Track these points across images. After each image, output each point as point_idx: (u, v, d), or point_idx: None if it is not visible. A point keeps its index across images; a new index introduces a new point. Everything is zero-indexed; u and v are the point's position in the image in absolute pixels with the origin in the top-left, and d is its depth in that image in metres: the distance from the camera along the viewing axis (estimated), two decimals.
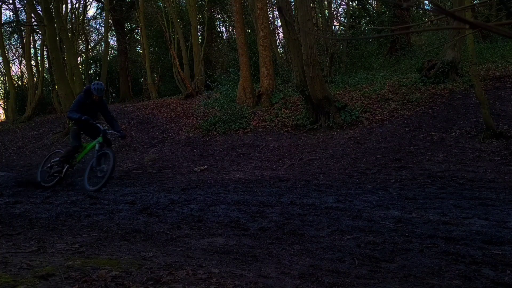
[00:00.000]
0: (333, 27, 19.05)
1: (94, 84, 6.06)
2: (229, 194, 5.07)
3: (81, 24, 23.10)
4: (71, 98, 13.45)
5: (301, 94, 9.82)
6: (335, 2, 20.30)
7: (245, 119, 10.93)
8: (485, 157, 5.96)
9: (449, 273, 2.19)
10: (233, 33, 22.18)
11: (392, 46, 15.44)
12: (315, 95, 9.13)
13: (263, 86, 12.26)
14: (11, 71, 24.98)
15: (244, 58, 12.57)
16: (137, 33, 27.06)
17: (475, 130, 7.07)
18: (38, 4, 17.19)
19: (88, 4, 30.14)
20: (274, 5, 19.03)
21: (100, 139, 5.94)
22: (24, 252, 2.39)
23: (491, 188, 4.53)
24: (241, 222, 3.51)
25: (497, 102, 8.23)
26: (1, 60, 24.88)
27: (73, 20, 22.18)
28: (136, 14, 21.99)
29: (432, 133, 7.43)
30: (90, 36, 28.92)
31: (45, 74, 23.16)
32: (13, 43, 29.23)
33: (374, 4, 18.68)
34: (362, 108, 9.62)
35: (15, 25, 24.75)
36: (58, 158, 6.29)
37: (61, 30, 15.20)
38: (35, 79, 22.88)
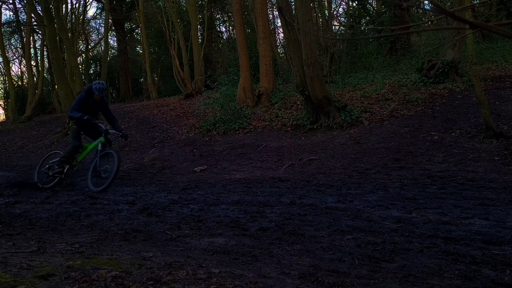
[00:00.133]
0: (333, 27, 19.05)
1: (95, 84, 5.99)
2: (229, 194, 5.07)
3: (81, 24, 23.09)
4: (71, 98, 13.44)
5: (301, 94, 9.82)
6: (335, 2, 20.32)
7: (245, 119, 10.93)
8: (485, 157, 5.96)
9: (449, 273, 2.19)
10: (233, 33, 22.19)
11: (392, 46, 15.44)
12: (315, 95, 9.13)
13: (263, 86, 12.26)
14: (11, 71, 24.99)
15: (244, 58, 12.57)
16: (137, 33, 27.06)
17: (475, 130, 7.07)
18: (38, 4, 17.18)
19: (88, 4, 30.17)
20: (274, 5, 19.03)
21: (102, 139, 5.88)
22: (24, 252, 2.39)
23: (491, 188, 4.53)
24: (241, 222, 3.51)
25: (497, 102, 8.24)
26: (1, 60, 24.89)
27: (73, 20, 22.18)
28: (136, 14, 21.99)
29: (432, 133, 7.43)
30: (90, 36, 28.94)
31: (45, 74, 23.16)
32: (13, 43, 29.27)
33: (374, 4, 18.68)
34: (362, 108, 9.62)
35: (15, 25, 24.75)
36: (57, 159, 6.17)
37: (61, 30, 15.20)
38: (35, 79, 22.88)
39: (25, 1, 21.27)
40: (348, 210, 3.84)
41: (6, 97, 27.65)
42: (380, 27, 12.70)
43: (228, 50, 21.29)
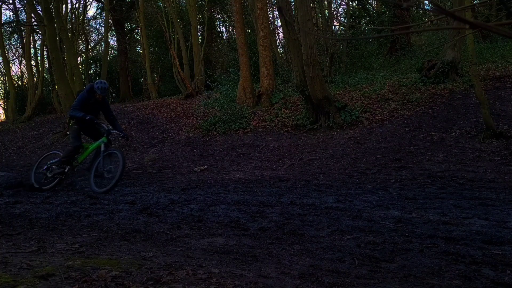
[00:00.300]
0: (333, 27, 19.05)
1: (97, 83, 5.85)
2: (229, 194, 5.07)
3: (81, 24, 23.09)
4: (71, 98, 13.44)
5: (301, 94, 9.82)
6: (335, 2, 20.32)
7: (245, 119, 10.93)
8: (485, 157, 5.96)
9: (449, 273, 2.19)
10: (233, 33, 22.19)
11: (392, 46, 15.44)
12: (315, 95, 9.13)
13: (263, 86, 12.26)
14: (11, 71, 24.99)
15: (244, 58, 12.57)
16: (137, 33, 27.06)
17: (475, 130, 7.07)
18: (38, 4, 17.18)
19: (88, 4, 30.17)
20: (274, 5, 19.03)
21: (104, 139, 5.76)
22: (24, 252, 2.39)
23: (491, 188, 4.53)
24: (241, 222, 3.51)
25: (497, 102, 8.24)
26: (1, 60, 24.89)
27: (73, 20, 22.18)
28: (136, 14, 21.99)
29: (432, 133, 7.43)
30: (90, 36, 28.95)
31: (45, 74, 23.16)
32: (13, 43, 29.27)
33: (374, 4, 18.68)
34: (362, 108, 9.62)
35: (15, 25, 24.74)
36: (57, 160, 6.00)
37: (61, 30, 15.19)
38: (35, 79, 22.88)
39: (25, 1, 21.27)
40: (348, 210, 3.84)
41: (6, 97, 27.66)
42: (380, 27, 12.70)
43: (228, 50, 21.29)
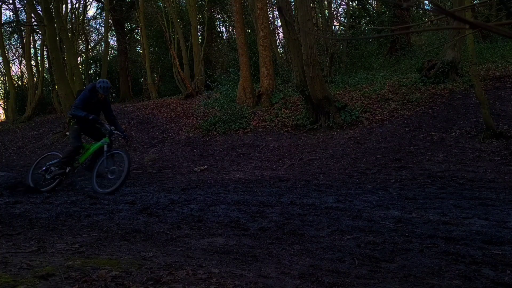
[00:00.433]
0: (333, 27, 19.05)
1: (99, 82, 5.73)
2: (229, 194, 5.07)
3: (81, 24, 23.09)
4: (71, 98, 13.42)
5: (301, 94, 9.82)
6: (335, 2, 20.32)
7: (245, 119, 10.93)
8: (485, 157, 5.96)
9: (449, 273, 2.19)
10: (233, 33, 22.18)
11: (392, 46, 15.44)
12: (315, 95, 9.13)
13: (263, 86, 12.26)
14: (11, 71, 25.00)
15: (244, 58, 12.57)
16: (137, 33, 27.06)
17: (475, 130, 7.07)
18: (38, 4, 17.18)
19: (88, 4, 30.17)
20: (274, 5, 19.03)
21: (107, 139, 5.66)
22: (24, 252, 2.39)
23: (491, 188, 4.53)
24: (241, 222, 3.51)
25: (497, 102, 8.23)
26: (1, 60, 24.90)
27: (73, 20, 22.17)
28: (136, 14, 21.99)
29: (432, 133, 7.43)
30: (90, 36, 28.94)
31: (45, 74, 23.16)
32: (13, 43, 29.27)
33: (374, 4, 18.68)
34: (362, 108, 9.62)
35: (15, 25, 24.74)
36: (56, 161, 5.87)
37: (61, 30, 15.19)
38: (35, 79, 22.88)
39: (25, 1, 21.27)
40: (348, 210, 3.84)
41: (6, 97, 27.66)
42: (380, 27, 12.70)
43: (228, 50, 21.29)
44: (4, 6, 24.02)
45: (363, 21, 17.04)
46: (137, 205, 4.43)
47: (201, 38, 20.34)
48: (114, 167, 5.52)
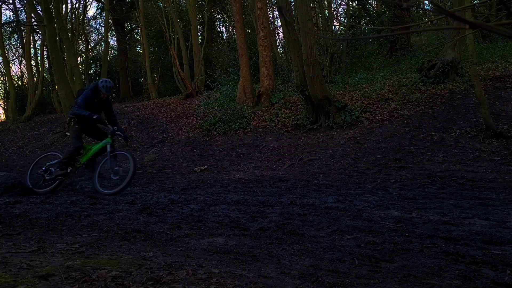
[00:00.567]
0: (333, 27, 19.05)
1: (102, 82, 5.65)
2: (229, 194, 5.07)
3: (81, 24, 23.10)
4: (71, 98, 13.43)
5: (301, 94, 9.82)
6: (335, 2, 20.33)
7: (245, 119, 10.93)
8: (485, 157, 5.96)
9: (449, 273, 2.19)
10: (233, 33, 22.19)
11: (392, 46, 15.44)
12: (315, 95, 9.14)
13: (263, 86, 12.26)
14: (11, 71, 25.00)
15: (244, 58, 12.57)
16: (137, 33, 27.06)
17: (475, 130, 7.07)
18: (38, 4, 17.17)
19: (88, 4, 30.18)
20: (274, 5, 19.03)
21: (109, 139, 5.60)
22: (24, 252, 2.39)
23: (491, 188, 4.53)
24: (241, 222, 3.51)
25: (497, 102, 8.23)
26: (1, 60, 24.91)
27: (73, 20, 22.19)
28: (136, 14, 22.00)
29: (432, 133, 7.43)
30: (90, 36, 28.96)
31: (45, 74, 23.17)
32: (13, 43, 29.29)
33: (374, 4, 18.68)
34: (362, 108, 9.62)
35: (15, 25, 24.75)
36: (57, 161, 5.77)
37: (61, 30, 15.20)
38: (35, 79, 22.89)
39: (25, 1, 21.28)
40: (348, 210, 3.84)
41: (6, 97, 27.67)
42: (380, 27, 12.70)
43: (228, 50, 21.29)
44: (4, 6, 24.04)
45: (363, 21, 17.04)
46: (137, 205, 4.43)
47: (201, 38, 20.35)
48: (117, 167, 5.45)
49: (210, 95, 13.32)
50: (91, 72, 27.01)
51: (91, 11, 60.28)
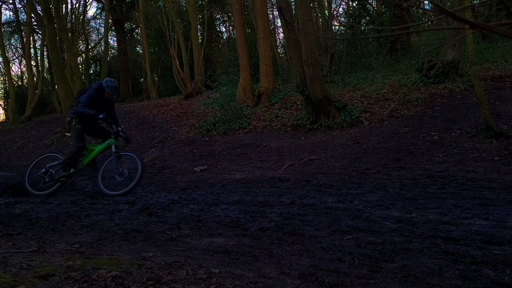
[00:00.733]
0: (333, 27, 19.06)
1: (107, 81, 5.54)
2: (229, 194, 5.07)
3: (81, 24, 23.11)
4: (71, 98, 13.43)
5: (301, 94, 9.82)
6: (335, 2, 20.33)
7: (245, 119, 10.93)
8: (485, 157, 5.96)
9: (449, 273, 2.19)
10: (233, 33, 22.19)
11: (392, 46, 15.44)
12: (315, 95, 9.14)
13: (263, 86, 12.26)
14: (11, 71, 25.01)
15: (244, 58, 12.57)
16: (137, 33, 27.06)
17: (475, 130, 7.07)
18: (38, 4, 17.17)
19: (88, 4, 30.18)
20: (274, 5, 19.03)
21: (113, 140, 5.51)
22: (24, 252, 2.39)
23: (491, 188, 4.53)
24: (241, 222, 3.51)
25: (497, 102, 8.23)
26: (1, 60, 24.91)
27: (73, 20, 22.20)
28: (136, 14, 22.00)
29: (432, 133, 7.43)
30: (90, 36, 28.96)
31: (45, 74, 23.17)
32: (13, 43, 29.30)
33: (374, 4, 18.68)
34: (362, 108, 9.62)
35: (15, 25, 24.75)
36: (59, 162, 5.64)
37: (61, 30, 15.20)
38: (35, 79, 22.89)
39: (25, 1, 21.28)
40: (348, 210, 3.84)
41: (6, 97, 27.67)
42: (380, 27, 12.70)
43: (228, 50, 21.29)
44: (4, 6, 24.05)
45: (363, 21, 17.05)
46: (137, 205, 4.43)
47: (201, 38, 20.35)
48: (122, 168, 5.38)
49: (210, 95, 13.32)
50: (91, 72, 27.01)
51: (91, 11, 60.32)
